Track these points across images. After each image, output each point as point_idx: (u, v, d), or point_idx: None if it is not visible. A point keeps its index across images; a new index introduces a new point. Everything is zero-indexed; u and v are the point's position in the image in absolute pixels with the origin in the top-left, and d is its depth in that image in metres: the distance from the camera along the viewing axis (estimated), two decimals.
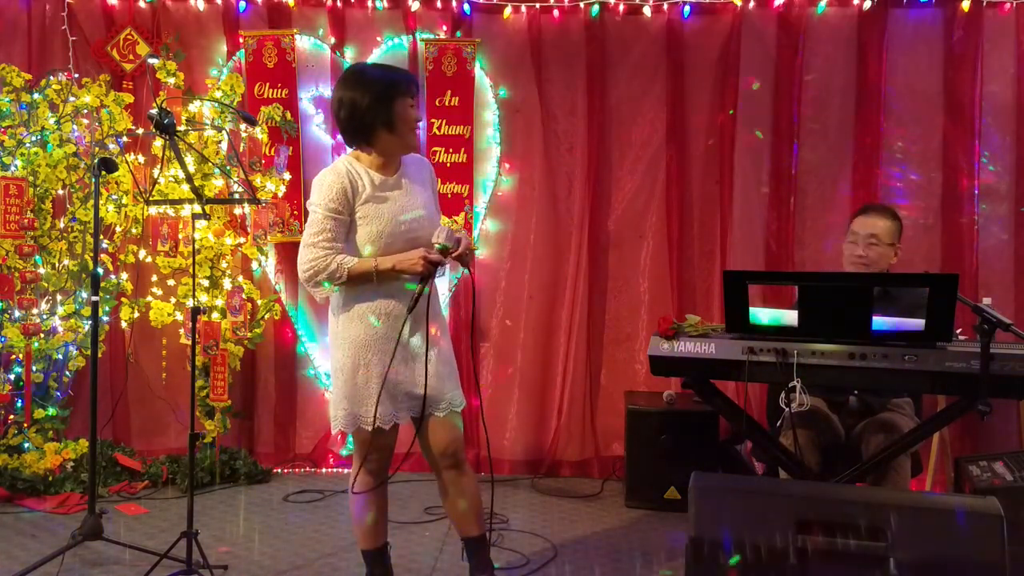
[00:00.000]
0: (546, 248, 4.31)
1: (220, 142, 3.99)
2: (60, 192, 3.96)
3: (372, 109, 2.38)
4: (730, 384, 3.20)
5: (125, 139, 4.06)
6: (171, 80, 3.97)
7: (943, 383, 2.32)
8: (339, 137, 4.27)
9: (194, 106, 4.03)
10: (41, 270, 3.85)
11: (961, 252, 4.10)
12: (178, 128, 2.85)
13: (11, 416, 3.85)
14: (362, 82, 2.41)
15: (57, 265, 3.95)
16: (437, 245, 2.40)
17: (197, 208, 3.15)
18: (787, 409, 2.39)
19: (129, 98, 4.04)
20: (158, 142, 4.00)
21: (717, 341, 2.49)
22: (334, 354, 2.48)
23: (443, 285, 4.22)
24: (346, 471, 4.28)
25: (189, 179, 2.99)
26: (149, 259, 4.09)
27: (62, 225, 3.96)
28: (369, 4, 4.28)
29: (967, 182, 4.12)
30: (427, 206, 2.51)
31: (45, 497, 3.69)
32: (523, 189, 4.32)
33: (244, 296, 3.98)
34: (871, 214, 3.05)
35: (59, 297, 3.97)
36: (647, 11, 4.21)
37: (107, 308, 4.07)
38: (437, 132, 4.23)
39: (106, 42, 4.24)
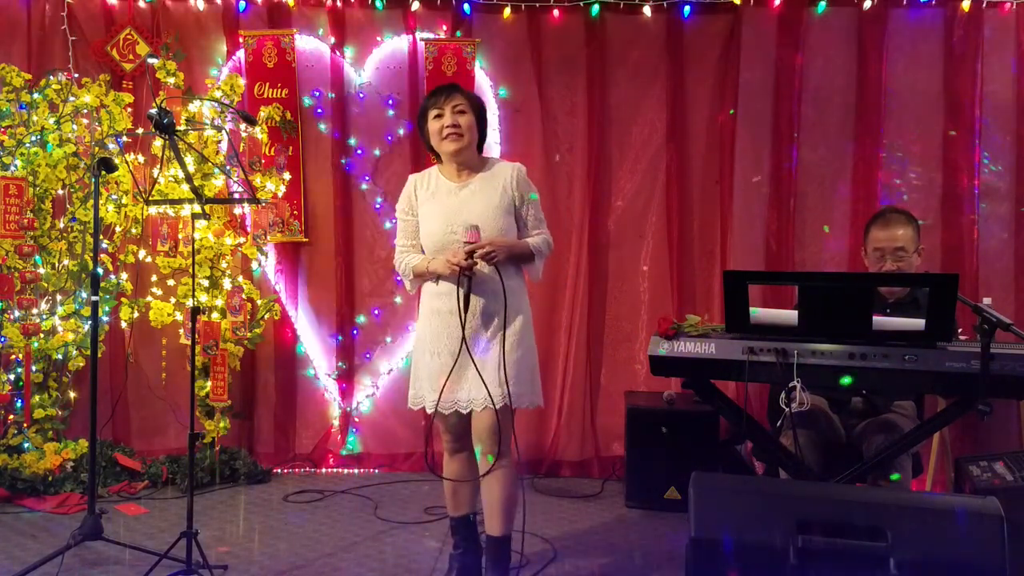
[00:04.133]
0: None
1: (220, 142, 3.99)
2: (60, 192, 3.96)
3: (420, 130, 2.73)
4: (730, 384, 3.20)
5: (125, 139, 4.06)
6: (171, 80, 3.98)
7: (943, 383, 2.32)
8: (339, 137, 4.32)
9: (194, 106, 4.03)
10: (41, 270, 3.85)
11: (961, 252, 4.11)
12: (178, 128, 2.85)
13: (11, 416, 3.85)
14: (419, 108, 2.73)
15: (57, 265, 3.95)
16: (464, 244, 2.50)
17: (197, 208, 3.15)
18: (787, 409, 2.38)
19: (129, 98, 4.04)
20: (158, 142, 4.01)
21: (717, 341, 2.49)
22: None
23: None
24: (345, 471, 4.30)
25: (189, 179, 2.99)
26: (149, 259, 4.09)
27: (62, 225, 3.96)
28: (369, 4, 4.29)
29: (967, 182, 4.12)
30: (484, 214, 2.57)
31: (45, 497, 3.69)
32: None
33: (244, 296, 3.98)
34: (890, 225, 2.93)
35: (59, 297, 3.97)
36: (647, 11, 4.21)
37: (107, 308, 4.07)
38: None
39: (106, 42, 4.24)
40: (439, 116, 2.62)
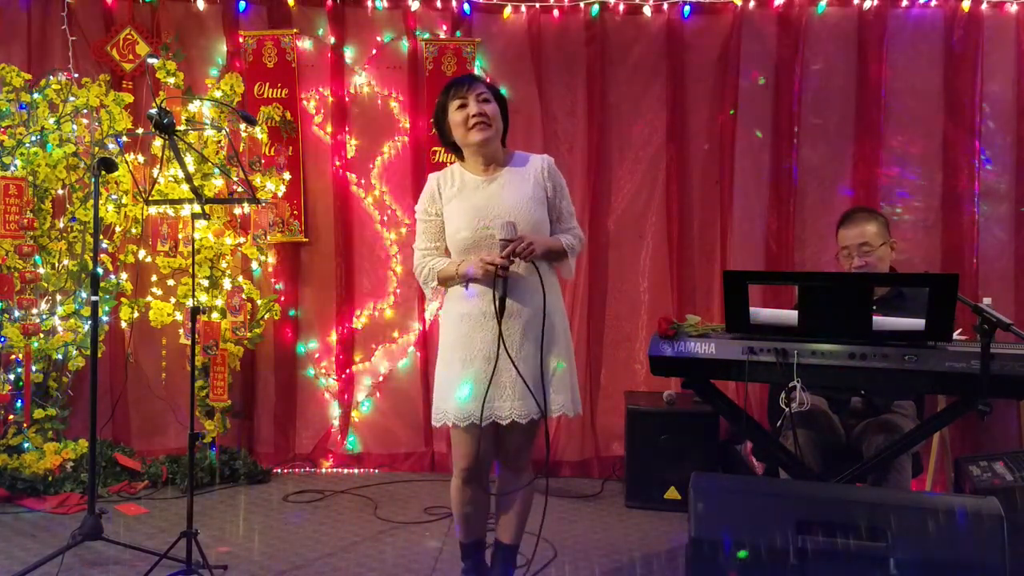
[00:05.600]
0: None
1: (220, 142, 3.98)
2: (60, 192, 3.96)
3: (439, 124, 2.52)
4: (730, 384, 3.20)
5: (125, 139, 4.06)
6: (171, 80, 3.98)
7: (943, 383, 2.32)
8: (339, 137, 4.32)
9: (194, 106, 4.03)
10: (41, 270, 3.85)
11: (961, 252, 4.11)
12: (178, 128, 2.85)
13: (11, 416, 3.85)
14: (435, 105, 2.53)
15: (57, 265, 3.95)
16: (500, 241, 2.31)
17: (197, 208, 3.15)
18: (787, 409, 2.38)
19: (129, 98, 4.04)
20: (158, 142, 4.01)
21: (717, 341, 2.49)
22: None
23: None
24: (345, 471, 4.30)
25: (189, 179, 2.99)
26: (149, 259, 4.09)
27: (62, 225, 3.96)
28: (369, 4, 4.29)
29: (967, 182, 4.12)
30: (517, 207, 2.38)
31: (45, 497, 3.69)
32: None
33: (244, 296, 3.98)
34: (854, 223, 2.98)
35: (59, 297, 3.97)
36: (647, 11, 4.21)
37: (107, 308, 4.07)
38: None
39: (106, 42, 4.24)
40: (463, 106, 2.40)
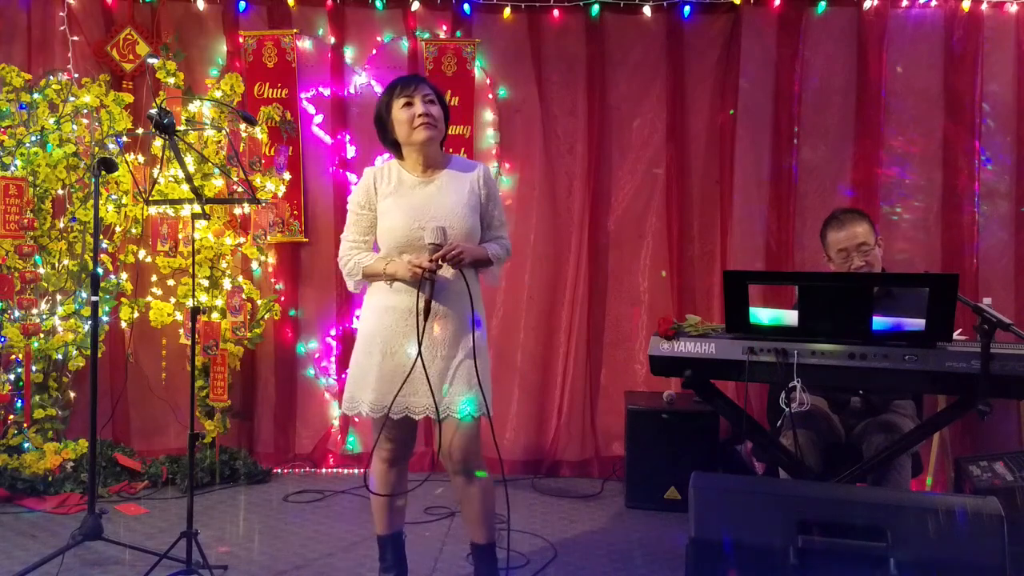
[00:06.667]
0: (546, 248, 4.31)
1: (220, 142, 3.98)
2: (60, 192, 3.96)
3: (380, 122, 2.55)
4: (730, 384, 3.20)
5: (125, 139, 4.06)
6: (171, 80, 3.98)
7: (943, 383, 2.32)
8: (339, 137, 4.32)
9: (194, 106, 4.03)
10: (41, 270, 3.85)
11: (961, 252, 4.11)
12: (178, 128, 2.85)
13: (11, 416, 3.85)
14: (378, 102, 2.56)
15: (57, 265, 3.95)
16: (429, 245, 2.36)
17: (197, 208, 3.15)
18: (787, 409, 2.38)
19: (129, 98, 4.03)
20: (158, 142, 4.01)
21: (717, 341, 2.49)
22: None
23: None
24: (345, 471, 4.30)
25: (189, 179, 2.99)
26: (149, 259, 4.09)
27: (62, 225, 3.96)
28: (369, 4, 4.29)
29: (967, 182, 4.12)
30: (452, 211, 2.44)
31: (45, 497, 3.69)
32: (523, 189, 4.32)
33: (244, 296, 3.98)
34: (845, 225, 2.95)
35: (59, 297, 3.97)
36: (647, 11, 4.21)
37: (107, 308, 4.07)
38: None
39: (106, 42, 4.24)
40: (409, 105, 2.46)
